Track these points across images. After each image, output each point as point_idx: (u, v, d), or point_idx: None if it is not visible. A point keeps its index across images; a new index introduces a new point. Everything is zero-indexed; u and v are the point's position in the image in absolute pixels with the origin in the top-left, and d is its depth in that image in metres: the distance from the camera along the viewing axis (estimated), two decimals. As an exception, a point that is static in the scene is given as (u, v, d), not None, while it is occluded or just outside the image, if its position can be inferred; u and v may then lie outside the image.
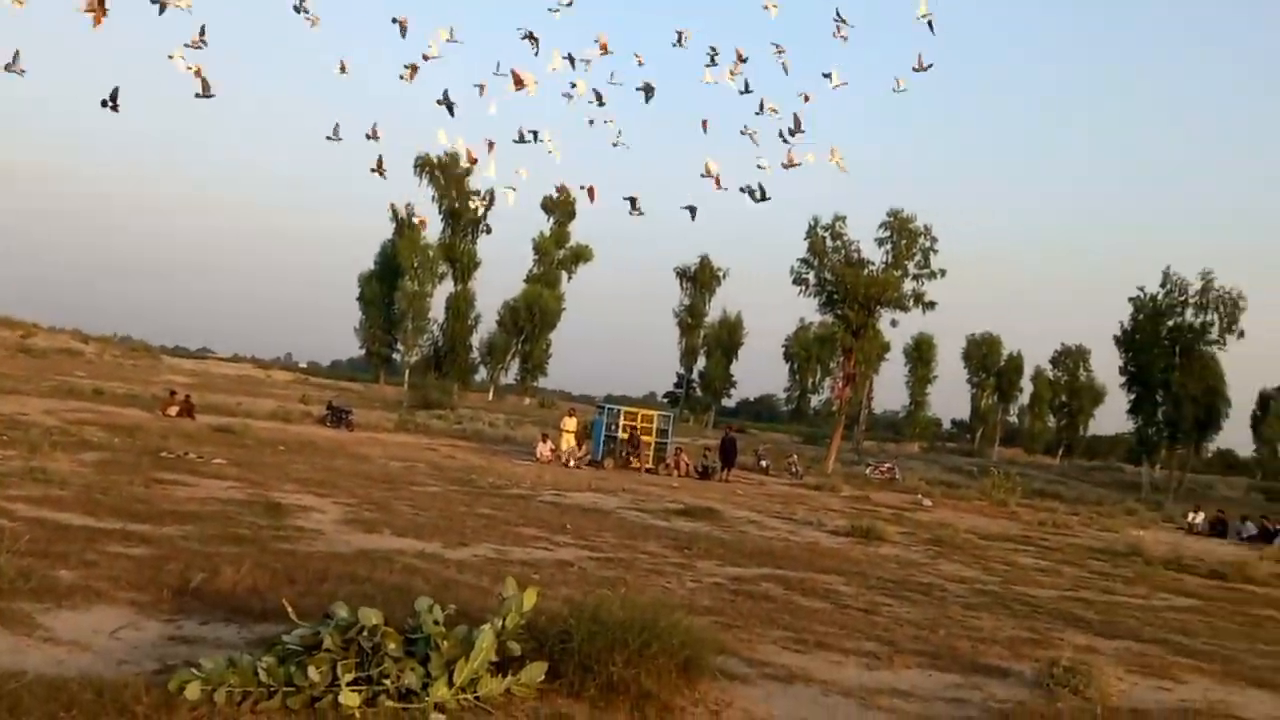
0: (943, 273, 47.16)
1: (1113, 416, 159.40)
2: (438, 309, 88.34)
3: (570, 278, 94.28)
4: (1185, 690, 8.92)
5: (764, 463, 39.96)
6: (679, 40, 18.55)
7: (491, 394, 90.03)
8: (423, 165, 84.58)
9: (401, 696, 5.61)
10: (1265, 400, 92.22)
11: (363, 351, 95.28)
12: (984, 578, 15.64)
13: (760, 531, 18.42)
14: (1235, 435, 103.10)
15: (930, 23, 17.43)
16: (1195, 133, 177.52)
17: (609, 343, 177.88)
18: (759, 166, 18.57)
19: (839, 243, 47.05)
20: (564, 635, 6.28)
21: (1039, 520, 29.82)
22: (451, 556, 11.35)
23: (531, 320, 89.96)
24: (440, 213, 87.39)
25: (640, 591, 9.58)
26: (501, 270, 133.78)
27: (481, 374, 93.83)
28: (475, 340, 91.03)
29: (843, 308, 46.38)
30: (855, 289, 45.51)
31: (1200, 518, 36.00)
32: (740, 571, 12.95)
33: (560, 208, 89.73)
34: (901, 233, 46.99)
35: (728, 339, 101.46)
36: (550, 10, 18.17)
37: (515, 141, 18.60)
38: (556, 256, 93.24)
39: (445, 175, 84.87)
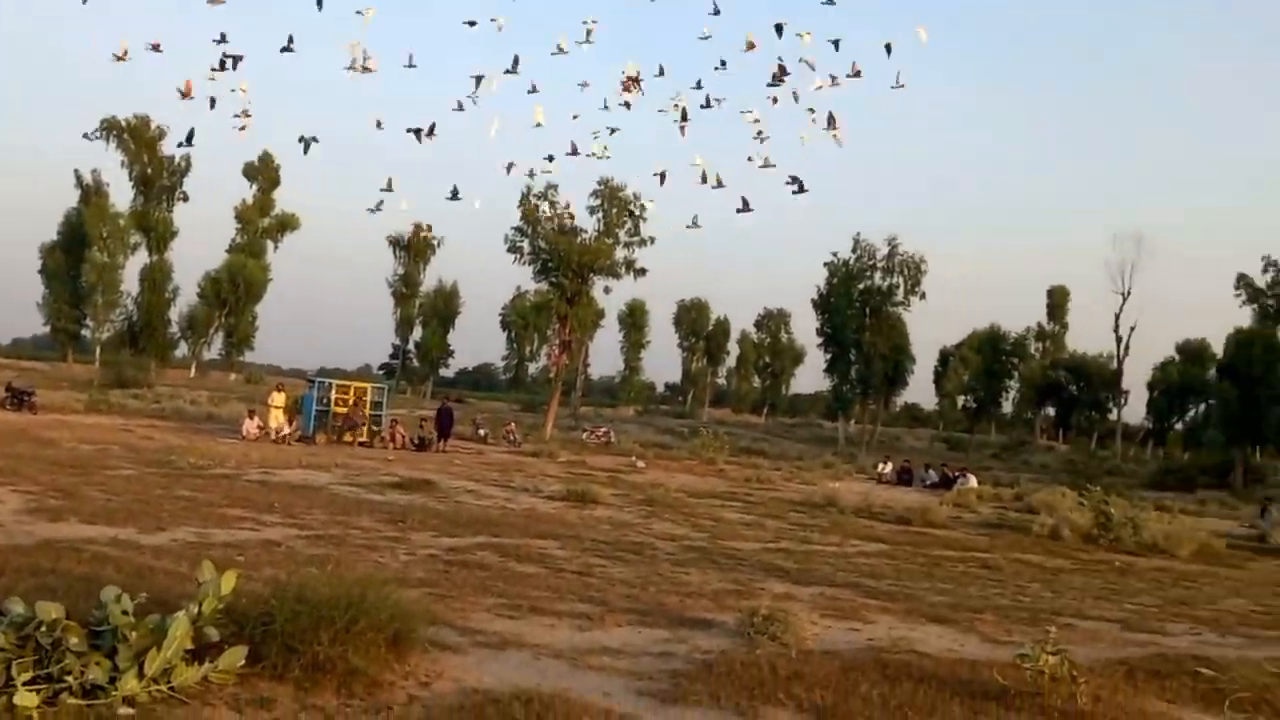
0: (652, 240, 48.36)
1: (812, 375, 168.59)
2: (131, 281, 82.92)
3: (276, 247, 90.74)
4: (872, 630, 9.59)
5: (482, 431, 39.92)
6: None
7: (194, 370, 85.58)
8: (109, 128, 78.97)
9: (86, 693, 5.27)
10: (945, 357, 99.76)
11: (47, 328, 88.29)
12: (693, 534, 16.25)
13: (477, 501, 18.42)
14: (920, 390, 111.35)
15: None
16: (889, 106, 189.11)
17: (321, 314, 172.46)
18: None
19: (552, 211, 47.42)
20: (266, 617, 6.06)
21: (745, 477, 31.25)
22: (147, 542, 10.74)
23: (235, 292, 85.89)
24: (131, 179, 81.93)
25: (351, 568, 9.37)
26: (202, 240, 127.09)
27: (182, 350, 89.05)
28: (174, 314, 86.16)
29: (557, 275, 46.77)
30: (569, 257, 45.98)
31: (889, 468, 38.73)
32: (456, 542, 12.91)
33: (263, 175, 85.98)
34: (612, 201, 47.80)
35: (444, 308, 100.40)
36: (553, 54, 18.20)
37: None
38: (260, 225, 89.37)
39: (135, 139, 79.59)
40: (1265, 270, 57.37)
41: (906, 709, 6.59)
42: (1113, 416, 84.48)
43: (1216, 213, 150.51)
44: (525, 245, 47.21)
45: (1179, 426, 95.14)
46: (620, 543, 14.35)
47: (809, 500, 24.40)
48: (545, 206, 47.12)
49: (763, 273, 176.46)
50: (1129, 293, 68.59)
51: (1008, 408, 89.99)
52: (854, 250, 63.47)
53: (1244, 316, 58.31)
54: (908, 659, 8.21)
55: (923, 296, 63.51)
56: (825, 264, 64.73)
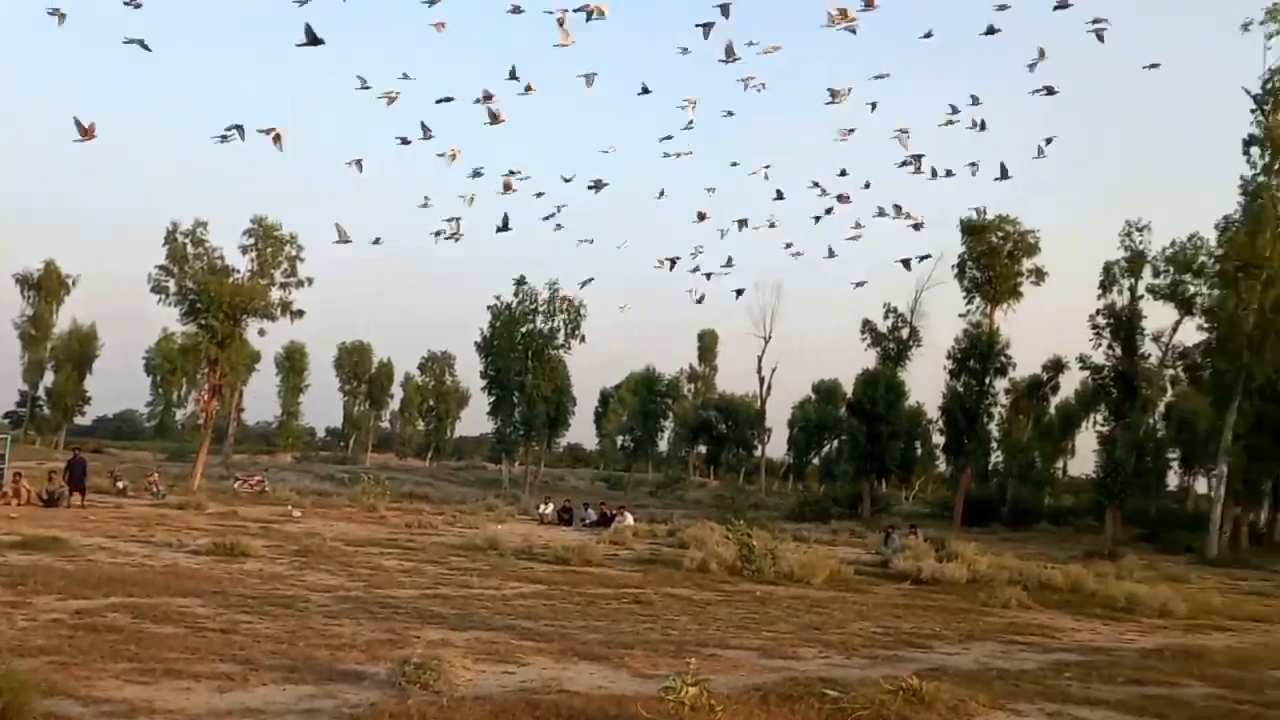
0: (310, 281, 46.94)
1: (477, 418, 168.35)
2: None
3: None
4: (526, 671, 9.70)
5: (121, 484, 37.18)
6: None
7: None
8: None
9: None
10: (605, 398, 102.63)
11: None
12: (348, 584, 15.84)
13: (111, 559, 17.13)
14: (582, 430, 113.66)
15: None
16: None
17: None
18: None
19: (201, 249, 45.10)
20: None
21: (406, 523, 30.77)
22: None
23: None
24: None
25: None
26: None
27: None
28: None
29: (206, 317, 44.47)
30: (220, 297, 43.86)
31: (550, 508, 39.28)
32: (84, 604, 11.96)
33: None
34: (267, 240, 46.07)
35: (80, 351, 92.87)
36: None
37: None
38: None
39: None
40: (886, 316, 62.81)
41: (554, 749, 6.72)
42: (758, 453, 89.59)
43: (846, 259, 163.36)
44: (171, 285, 44.64)
45: (816, 461, 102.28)
46: (270, 596, 13.78)
47: (470, 544, 24.33)
48: (190, 245, 44.80)
49: (426, 314, 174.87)
50: (770, 337, 73.20)
51: (664, 446, 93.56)
52: (516, 294, 64.25)
53: (870, 359, 63.56)
54: (558, 699, 8.37)
55: (582, 339, 65.14)
56: (488, 307, 65.11)
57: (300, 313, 47.05)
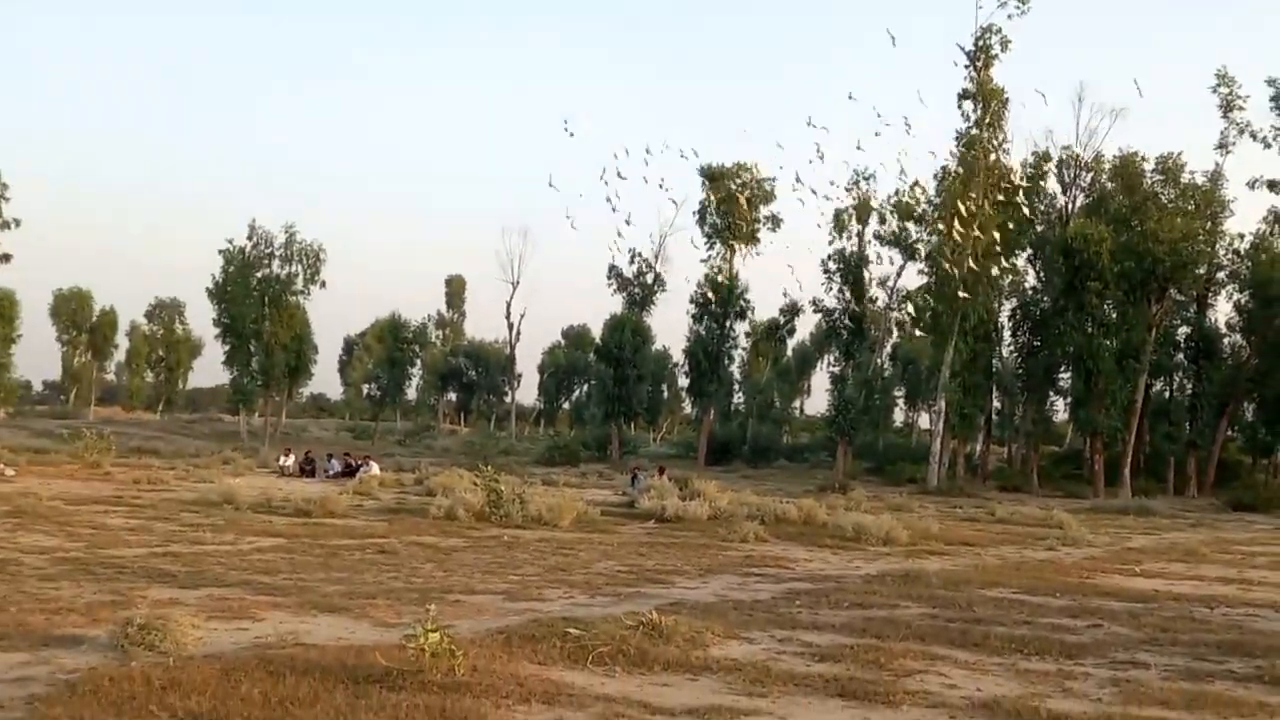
0: (17, 223, 43.48)
1: (212, 368, 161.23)
2: None
3: None
4: (261, 627, 9.38)
5: None
6: None
7: None
8: None
9: None
10: (350, 346, 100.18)
11: None
12: (67, 545, 14.87)
13: None
14: (325, 380, 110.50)
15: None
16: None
17: None
18: None
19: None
20: None
21: (134, 479, 29.12)
22: None
23: None
24: None
25: None
26: None
27: None
28: None
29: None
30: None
31: (291, 460, 38.08)
32: None
33: None
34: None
35: None
36: None
37: None
38: None
39: None
40: (632, 261, 63.79)
41: (288, 703, 6.52)
42: (508, 399, 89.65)
43: (594, 208, 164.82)
44: None
45: (566, 406, 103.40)
46: (-24, 562, 12.77)
47: (204, 499, 23.28)
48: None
49: (153, 259, 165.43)
50: (518, 282, 73.08)
51: (412, 394, 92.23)
52: (250, 238, 61.48)
53: (616, 303, 64.48)
54: (294, 652, 8.13)
55: (323, 285, 63.14)
56: (221, 251, 62.03)
57: (7, 257, 43.56)
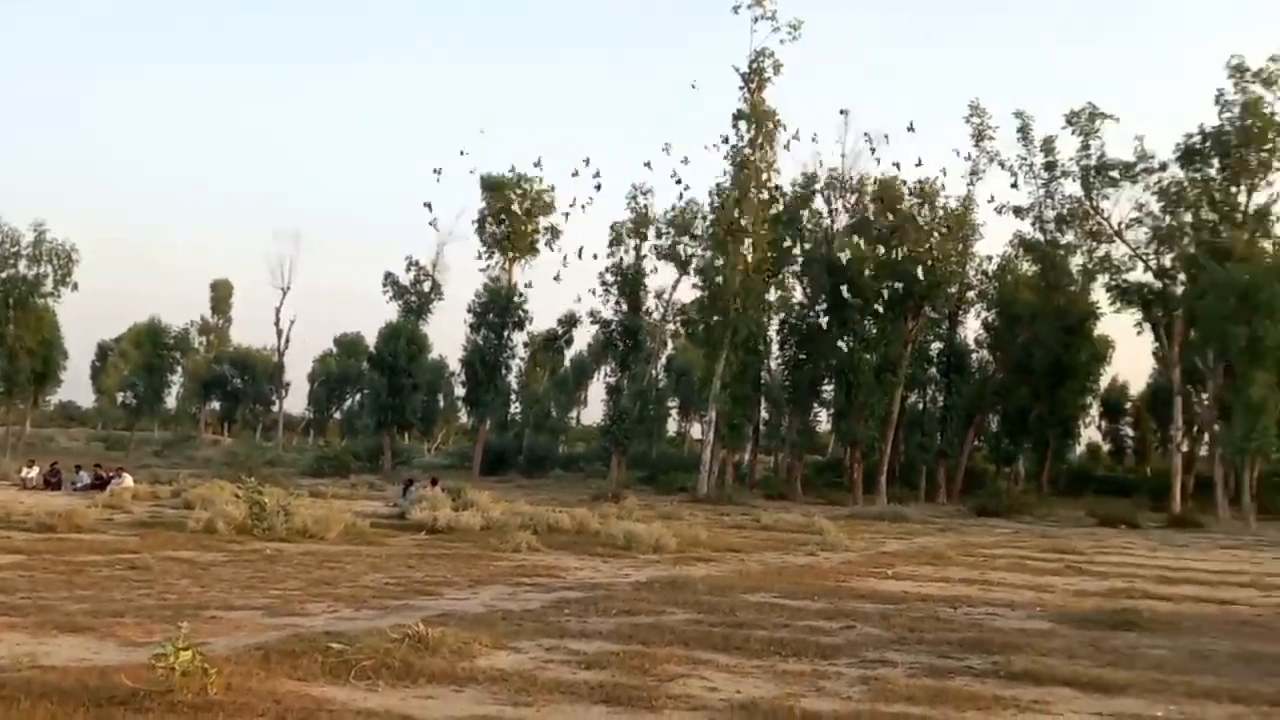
0: None
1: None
2: None
3: None
4: (-9, 649, 8.77)
5: None
6: None
7: None
8: None
9: None
10: (104, 351, 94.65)
11: None
12: None
13: None
14: (76, 388, 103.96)
15: None
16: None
17: None
18: None
19: None
20: None
21: None
22: None
23: None
24: None
25: None
26: None
27: None
28: None
29: None
30: None
31: (34, 472, 35.71)
32: None
33: None
34: None
35: None
36: None
37: None
38: None
39: None
40: (409, 269, 62.75)
41: (21, 731, 6.12)
42: (275, 408, 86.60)
43: (370, 213, 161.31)
44: None
45: (338, 415, 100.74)
46: None
47: (-67, 515, 21.55)
48: None
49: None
50: (289, 287, 70.74)
51: (172, 403, 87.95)
52: (-10, 236, 57.31)
53: (392, 311, 63.20)
54: (30, 675, 7.64)
55: (74, 287, 59.51)
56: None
57: None
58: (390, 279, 63.03)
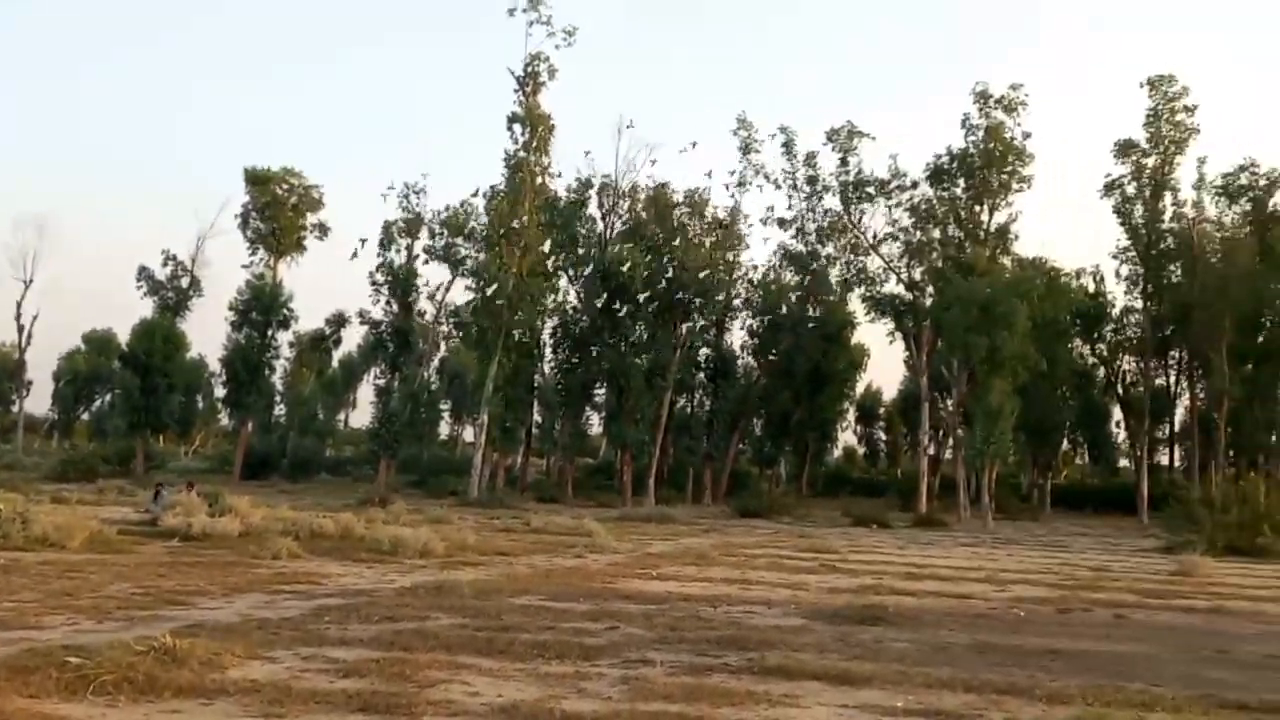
0: None
1: None
2: None
3: None
4: None
5: None
6: None
7: None
8: None
9: None
10: None
11: None
12: None
13: None
14: None
15: None
16: None
17: None
18: None
19: None
20: None
21: None
22: None
23: None
24: None
25: None
26: None
27: None
28: None
29: None
30: None
31: None
32: None
33: None
34: None
35: None
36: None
37: None
38: None
39: None
40: (165, 264, 59.82)
41: None
42: (15, 409, 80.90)
43: (123, 204, 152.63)
44: None
45: (85, 416, 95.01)
46: None
47: None
48: None
49: None
50: (31, 280, 66.29)
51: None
52: None
53: (147, 307, 60.05)
54: None
55: None
56: None
57: None
58: (145, 273, 59.92)
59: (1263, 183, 53.80)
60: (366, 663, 9.28)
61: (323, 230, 59.12)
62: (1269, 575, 23.44)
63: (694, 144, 62.16)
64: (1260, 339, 52.27)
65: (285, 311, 58.89)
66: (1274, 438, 51.81)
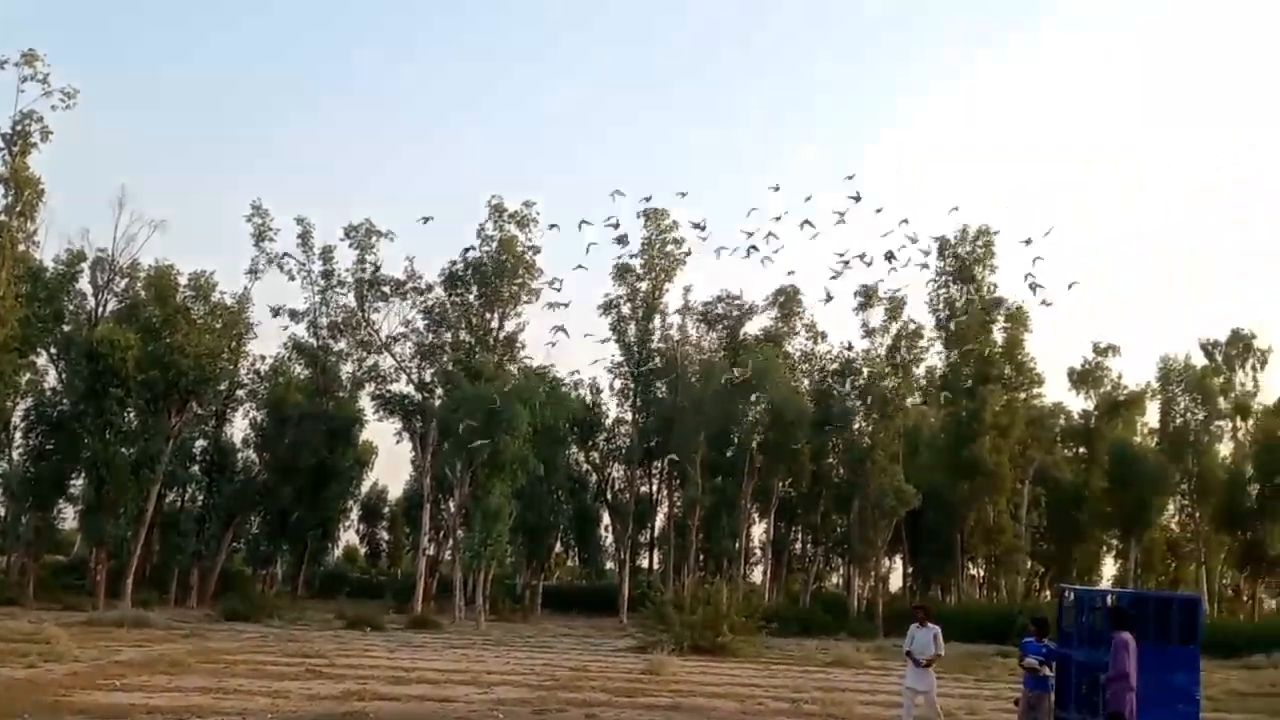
0: None
1: None
2: None
3: None
4: None
5: None
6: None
7: None
8: None
9: None
10: None
11: None
12: None
13: None
14: None
15: None
16: None
17: None
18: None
19: None
20: None
21: None
22: None
23: None
24: None
25: None
26: None
27: None
28: None
29: None
30: None
31: None
32: None
33: None
34: None
35: None
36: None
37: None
38: None
39: None
40: None
41: None
42: None
43: None
44: None
45: None
46: None
47: None
48: None
49: None
50: None
51: None
52: None
53: None
54: None
55: None
56: None
57: None
58: None
59: (735, 312, 60.56)
60: None
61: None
62: (725, 672, 25.80)
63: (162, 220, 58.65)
64: (729, 453, 57.81)
65: None
66: (736, 545, 57.07)
